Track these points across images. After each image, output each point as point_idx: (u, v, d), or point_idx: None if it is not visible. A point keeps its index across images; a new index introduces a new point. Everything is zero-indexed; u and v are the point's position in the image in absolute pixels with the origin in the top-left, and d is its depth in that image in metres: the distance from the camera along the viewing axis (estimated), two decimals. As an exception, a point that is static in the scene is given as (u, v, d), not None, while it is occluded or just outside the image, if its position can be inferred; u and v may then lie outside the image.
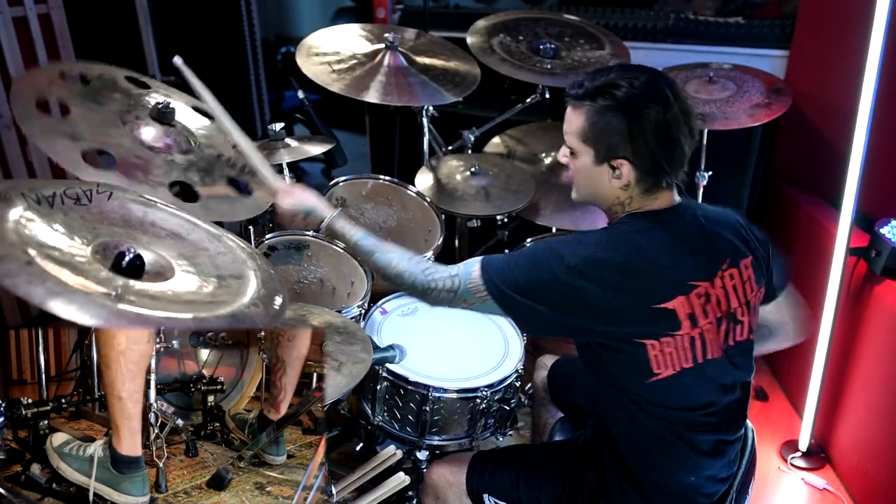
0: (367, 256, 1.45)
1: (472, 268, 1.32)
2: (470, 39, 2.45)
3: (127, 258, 1.11)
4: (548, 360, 1.91)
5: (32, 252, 0.98)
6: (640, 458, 1.38)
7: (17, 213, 1.07)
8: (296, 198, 1.52)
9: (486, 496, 1.52)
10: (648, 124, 1.25)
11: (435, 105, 2.44)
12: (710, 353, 1.31)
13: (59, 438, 1.37)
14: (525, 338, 1.89)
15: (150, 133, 1.54)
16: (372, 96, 2.11)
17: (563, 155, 1.40)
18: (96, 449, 1.33)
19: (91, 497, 1.30)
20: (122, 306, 0.98)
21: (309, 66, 2.16)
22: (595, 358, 1.35)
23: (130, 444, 1.33)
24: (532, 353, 1.94)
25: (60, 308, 0.90)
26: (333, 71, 2.16)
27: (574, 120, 1.33)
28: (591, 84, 1.29)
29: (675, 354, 1.28)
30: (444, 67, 2.35)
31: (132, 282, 1.08)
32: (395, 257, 1.41)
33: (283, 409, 1.65)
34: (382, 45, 2.29)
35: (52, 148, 1.31)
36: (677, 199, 1.35)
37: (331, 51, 2.26)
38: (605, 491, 1.42)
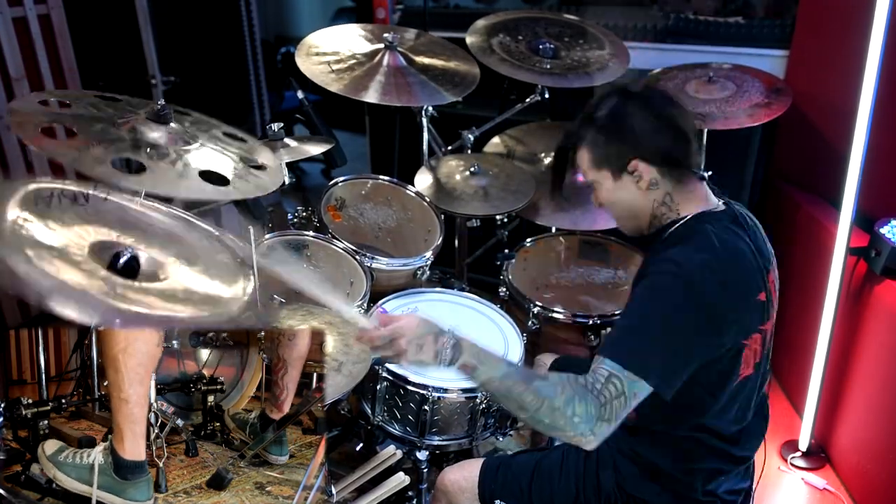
0: (518, 387, 1.18)
1: (611, 361, 1.17)
2: (469, 39, 2.45)
3: (123, 258, 1.11)
4: (546, 359, 1.91)
5: (31, 252, 0.98)
6: (671, 465, 1.37)
7: (14, 213, 1.07)
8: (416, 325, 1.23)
9: (497, 501, 1.51)
10: (633, 120, 1.32)
11: (434, 105, 2.44)
12: (766, 347, 1.36)
13: (51, 447, 1.36)
14: (525, 337, 1.89)
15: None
16: (371, 96, 2.11)
17: (594, 199, 1.45)
18: (96, 455, 1.32)
19: (94, 505, 1.29)
20: (120, 304, 0.98)
21: (308, 65, 2.16)
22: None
23: (135, 449, 1.32)
24: (531, 352, 1.94)
25: (62, 306, 0.90)
26: (332, 71, 2.16)
27: (581, 158, 1.41)
28: (575, 125, 1.41)
29: (758, 351, 1.32)
30: (443, 67, 2.35)
31: (129, 281, 1.08)
32: (559, 381, 1.17)
33: (286, 408, 1.65)
34: (382, 45, 2.29)
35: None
36: (715, 200, 1.38)
37: (330, 51, 2.26)
38: (627, 498, 1.43)
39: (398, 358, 1.21)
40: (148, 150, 1.33)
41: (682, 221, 1.34)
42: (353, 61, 2.24)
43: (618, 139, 1.34)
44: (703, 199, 1.36)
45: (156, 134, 1.41)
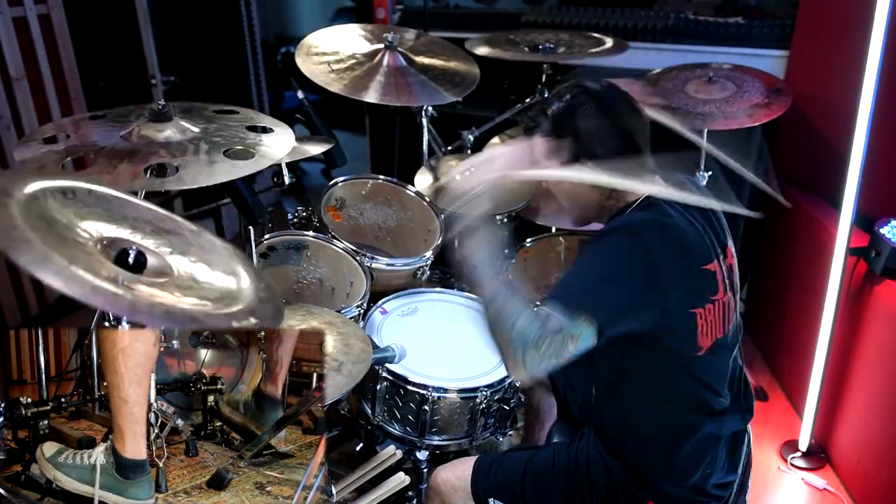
0: (489, 281, 1.26)
1: (555, 301, 1.21)
2: (468, 45, 2.46)
3: (132, 254, 1.11)
4: None
5: (46, 237, 0.98)
6: (657, 457, 1.38)
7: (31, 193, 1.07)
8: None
9: (491, 500, 1.52)
10: (585, 121, 1.35)
11: (434, 105, 2.44)
12: (728, 324, 1.37)
13: (49, 448, 1.35)
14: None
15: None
16: (371, 96, 2.11)
17: (546, 207, 1.52)
18: (97, 456, 1.32)
19: (97, 506, 1.29)
20: (141, 297, 0.98)
21: (308, 65, 2.16)
22: (625, 354, 1.34)
23: (135, 448, 1.32)
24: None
25: (82, 293, 0.89)
26: (332, 71, 2.16)
27: (535, 145, 1.42)
28: (532, 113, 1.44)
29: (715, 323, 1.33)
30: (443, 67, 2.35)
31: (144, 278, 1.08)
32: (521, 303, 1.22)
33: (281, 381, 1.66)
34: (382, 45, 2.29)
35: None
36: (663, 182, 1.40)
37: (330, 50, 2.26)
38: (617, 494, 1.43)
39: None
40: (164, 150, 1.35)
41: (630, 208, 1.38)
42: (353, 61, 2.24)
43: (569, 136, 1.37)
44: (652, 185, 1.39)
45: (166, 133, 1.43)
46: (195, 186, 1.29)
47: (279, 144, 1.50)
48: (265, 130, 1.53)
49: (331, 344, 1.55)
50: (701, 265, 1.31)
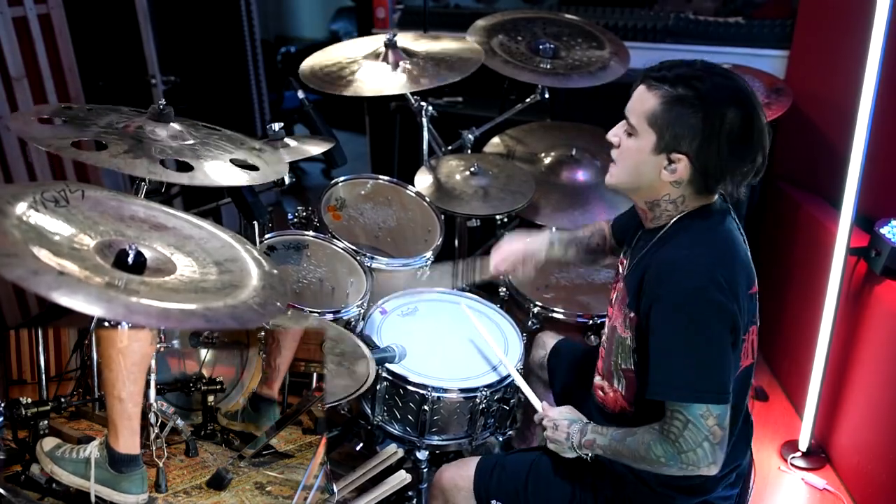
0: (619, 446, 1.33)
1: (678, 402, 1.24)
2: (469, 39, 2.45)
3: (131, 255, 1.11)
4: (547, 339, 1.90)
5: (38, 249, 0.98)
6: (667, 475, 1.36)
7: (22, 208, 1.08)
8: (560, 412, 1.49)
9: (493, 501, 1.51)
10: (723, 127, 1.21)
11: (435, 104, 2.44)
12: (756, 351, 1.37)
13: (49, 443, 1.36)
14: (525, 337, 1.89)
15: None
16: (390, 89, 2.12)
17: (614, 134, 1.35)
18: (92, 450, 1.33)
19: (93, 499, 1.29)
20: (141, 300, 0.98)
21: (318, 83, 2.18)
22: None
23: (129, 443, 1.33)
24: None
25: (76, 303, 0.90)
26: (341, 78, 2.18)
27: (647, 100, 1.26)
28: (674, 70, 1.25)
29: (754, 343, 1.33)
30: (444, 51, 2.35)
31: (143, 278, 1.08)
32: (641, 432, 1.30)
33: (277, 387, 1.66)
34: (382, 46, 2.30)
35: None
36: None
37: (332, 62, 2.27)
38: (624, 502, 1.43)
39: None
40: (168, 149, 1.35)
41: (681, 215, 1.33)
42: (357, 66, 2.25)
43: (691, 127, 1.23)
44: (709, 200, 1.36)
45: (164, 133, 1.43)
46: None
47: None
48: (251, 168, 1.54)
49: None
50: (749, 291, 1.29)
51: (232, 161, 1.48)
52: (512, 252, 1.79)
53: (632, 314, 1.35)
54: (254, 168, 1.51)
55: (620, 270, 1.50)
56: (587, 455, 1.40)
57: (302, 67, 2.25)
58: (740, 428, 1.40)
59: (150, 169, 1.32)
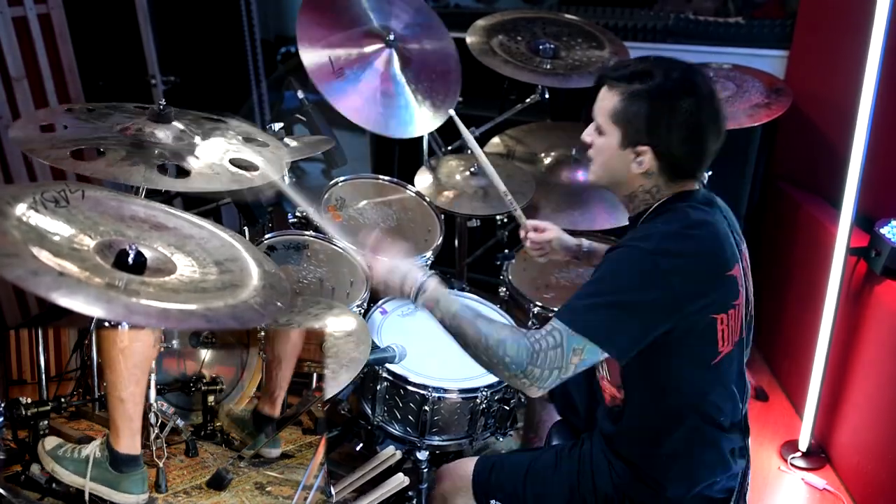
0: (465, 323, 1.29)
1: (558, 320, 1.25)
2: (469, 39, 2.46)
3: (131, 255, 1.11)
4: None
5: (38, 249, 0.98)
6: (671, 465, 1.37)
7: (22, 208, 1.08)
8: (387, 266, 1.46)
9: (493, 501, 1.51)
10: (678, 116, 1.27)
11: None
12: (745, 327, 1.36)
13: (51, 442, 1.36)
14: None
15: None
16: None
17: (587, 134, 1.41)
18: (93, 450, 1.33)
19: (87, 497, 1.29)
20: (141, 300, 0.98)
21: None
22: (647, 363, 1.31)
23: (130, 443, 1.33)
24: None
25: (76, 304, 0.90)
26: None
27: (608, 99, 1.34)
28: (629, 67, 1.33)
29: (734, 327, 1.32)
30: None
31: (144, 278, 1.08)
32: (500, 325, 1.28)
33: (279, 405, 1.66)
34: (382, 45, 2.30)
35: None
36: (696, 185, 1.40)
37: (333, 56, 2.27)
38: (623, 501, 1.43)
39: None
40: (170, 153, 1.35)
41: (659, 202, 1.36)
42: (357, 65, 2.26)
43: (650, 119, 1.29)
44: (689, 185, 1.38)
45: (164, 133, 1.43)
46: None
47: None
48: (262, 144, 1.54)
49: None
50: (725, 272, 1.29)
51: (231, 161, 1.48)
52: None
53: None
54: (253, 168, 1.51)
55: None
56: (421, 307, 1.37)
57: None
58: (734, 422, 1.40)
59: (146, 176, 1.32)
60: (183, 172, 1.41)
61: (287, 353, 1.61)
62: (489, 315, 1.31)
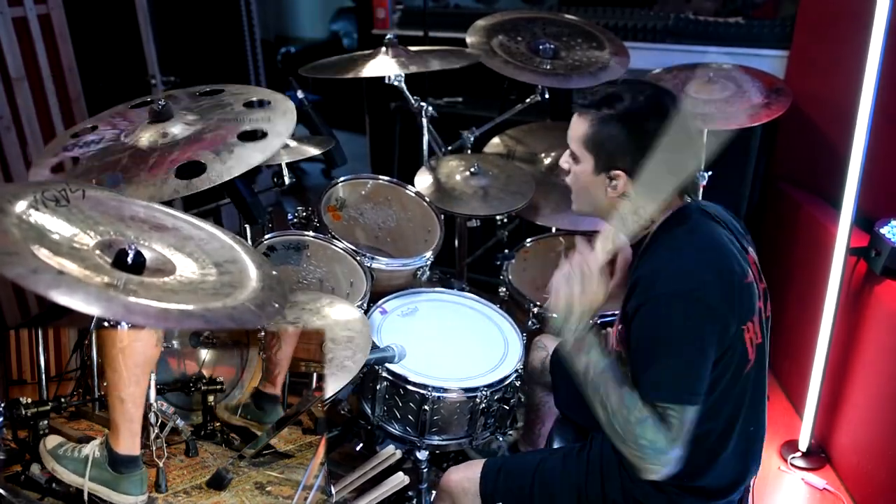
0: (609, 386, 1.26)
1: (642, 398, 1.23)
2: (469, 39, 2.45)
3: (130, 255, 1.11)
4: (548, 341, 1.90)
5: (38, 248, 0.98)
6: (689, 472, 1.34)
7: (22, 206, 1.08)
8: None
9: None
10: (646, 138, 1.27)
11: (435, 106, 2.44)
12: (764, 329, 1.36)
13: (52, 441, 1.36)
14: (525, 337, 1.89)
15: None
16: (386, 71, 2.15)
17: (564, 160, 1.42)
18: (92, 449, 1.33)
19: (85, 497, 1.29)
20: (140, 300, 0.98)
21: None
22: None
23: (130, 444, 1.33)
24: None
25: (75, 302, 0.90)
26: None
27: (579, 126, 1.36)
28: (598, 94, 1.34)
29: (756, 331, 1.32)
30: (443, 51, 2.37)
31: (143, 278, 1.08)
32: (642, 403, 1.23)
33: (280, 384, 1.67)
34: (382, 46, 2.30)
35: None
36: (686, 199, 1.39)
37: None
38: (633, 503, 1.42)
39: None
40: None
41: (656, 226, 1.35)
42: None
43: (619, 143, 1.30)
44: (676, 202, 1.36)
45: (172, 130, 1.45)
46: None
47: (282, 119, 1.52)
48: (262, 104, 1.53)
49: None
50: (742, 281, 1.29)
51: (239, 136, 1.48)
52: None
53: (620, 326, 1.37)
54: (263, 135, 1.51)
55: None
56: (569, 347, 1.32)
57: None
58: (756, 427, 1.40)
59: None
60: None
61: (287, 333, 1.62)
62: (634, 391, 1.26)
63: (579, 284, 1.31)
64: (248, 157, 1.45)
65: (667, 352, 1.23)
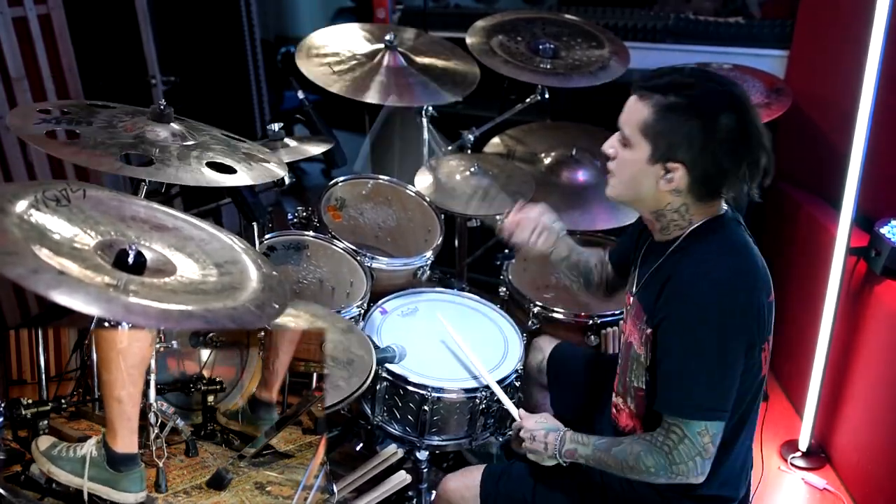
0: (604, 456, 1.34)
1: (670, 415, 1.25)
2: (469, 40, 2.46)
3: (131, 255, 1.11)
4: (544, 343, 1.90)
5: (39, 248, 0.98)
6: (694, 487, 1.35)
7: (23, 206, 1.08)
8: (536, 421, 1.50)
9: None
10: (719, 132, 1.19)
11: (434, 105, 2.44)
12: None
13: (44, 442, 1.35)
14: (525, 337, 1.89)
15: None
16: (372, 97, 2.12)
17: (610, 145, 1.33)
18: (89, 449, 1.32)
19: (85, 497, 1.29)
20: (140, 300, 0.98)
21: (309, 66, 2.17)
22: None
23: (127, 442, 1.32)
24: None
25: (75, 302, 0.90)
26: (334, 72, 2.17)
27: (639, 110, 1.25)
28: (665, 78, 1.25)
29: (769, 350, 1.32)
30: (443, 67, 2.35)
31: (143, 278, 1.08)
32: (628, 442, 1.32)
33: (275, 390, 1.66)
34: (382, 46, 2.30)
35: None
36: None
37: (330, 52, 2.27)
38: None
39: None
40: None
41: (694, 227, 1.31)
42: (354, 62, 2.25)
43: (686, 135, 1.21)
44: (718, 208, 1.33)
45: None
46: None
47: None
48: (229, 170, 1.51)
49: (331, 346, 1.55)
50: (768, 299, 1.27)
51: (209, 164, 1.46)
52: (528, 220, 1.68)
53: (648, 331, 1.32)
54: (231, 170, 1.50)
55: (629, 285, 1.49)
56: (566, 462, 1.41)
57: (301, 45, 2.26)
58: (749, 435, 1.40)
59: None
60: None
61: (285, 341, 1.62)
62: (618, 440, 1.35)
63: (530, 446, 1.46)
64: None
65: (698, 368, 1.22)
